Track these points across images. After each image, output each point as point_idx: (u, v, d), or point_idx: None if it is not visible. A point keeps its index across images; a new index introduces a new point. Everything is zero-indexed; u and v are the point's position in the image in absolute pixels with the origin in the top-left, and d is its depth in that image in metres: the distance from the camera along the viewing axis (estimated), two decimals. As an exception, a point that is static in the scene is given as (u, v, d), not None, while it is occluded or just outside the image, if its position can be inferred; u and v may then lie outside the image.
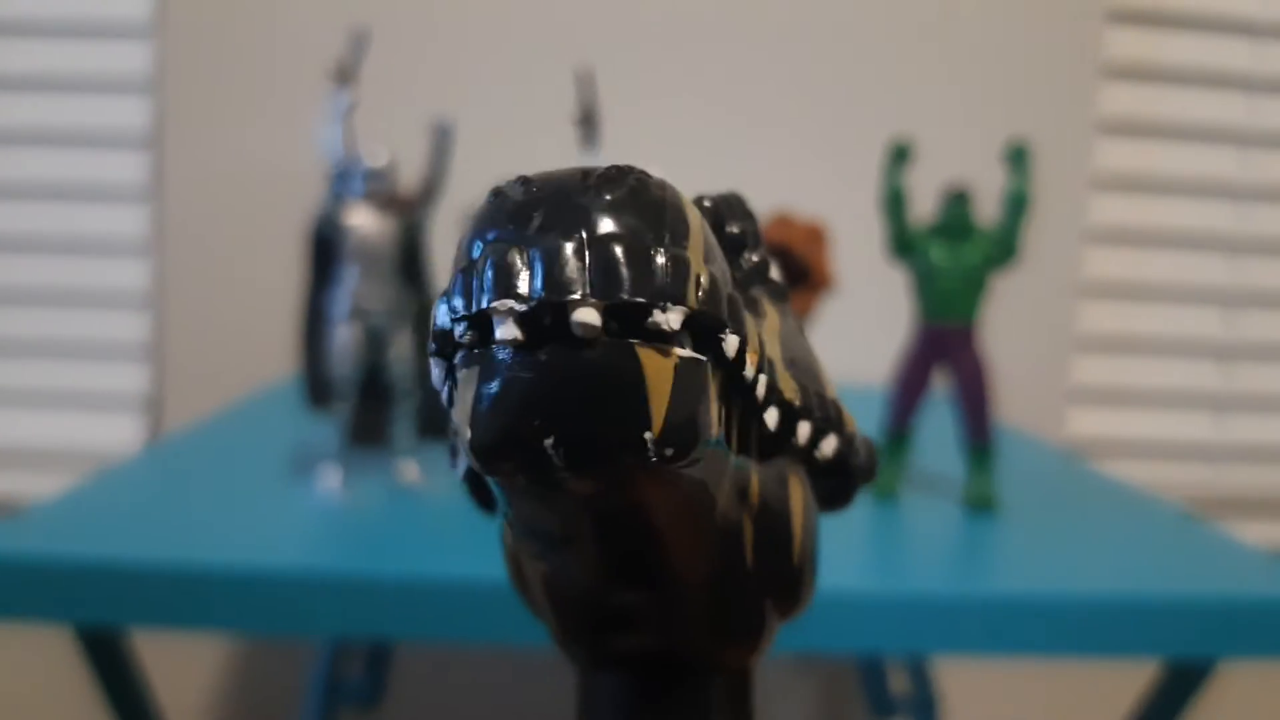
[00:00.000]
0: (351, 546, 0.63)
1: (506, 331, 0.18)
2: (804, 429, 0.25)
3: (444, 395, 0.21)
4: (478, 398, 0.18)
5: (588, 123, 0.75)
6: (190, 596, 0.57)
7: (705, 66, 1.26)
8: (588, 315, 0.17)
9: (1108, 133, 1.30)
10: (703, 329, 0.19)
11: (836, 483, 0.29)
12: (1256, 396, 1.36)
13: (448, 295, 0.19)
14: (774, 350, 0.24)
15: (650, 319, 0.18)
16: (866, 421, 0.86)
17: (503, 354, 0.18)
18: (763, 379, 0.22)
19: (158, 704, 0.72)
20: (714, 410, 0.19)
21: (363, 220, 0.73)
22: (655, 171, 0.21)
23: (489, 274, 0.18)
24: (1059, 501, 0.81)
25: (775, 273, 0.28)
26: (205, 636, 1.28)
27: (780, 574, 0.25)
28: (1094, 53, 1.28)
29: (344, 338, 0.72)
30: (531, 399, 0.17)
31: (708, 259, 0.19)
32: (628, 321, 0.18)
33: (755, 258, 0.27)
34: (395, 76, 1.16)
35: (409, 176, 0.79)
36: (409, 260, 0.76)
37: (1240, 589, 0.62)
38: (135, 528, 0.63)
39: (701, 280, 0.19)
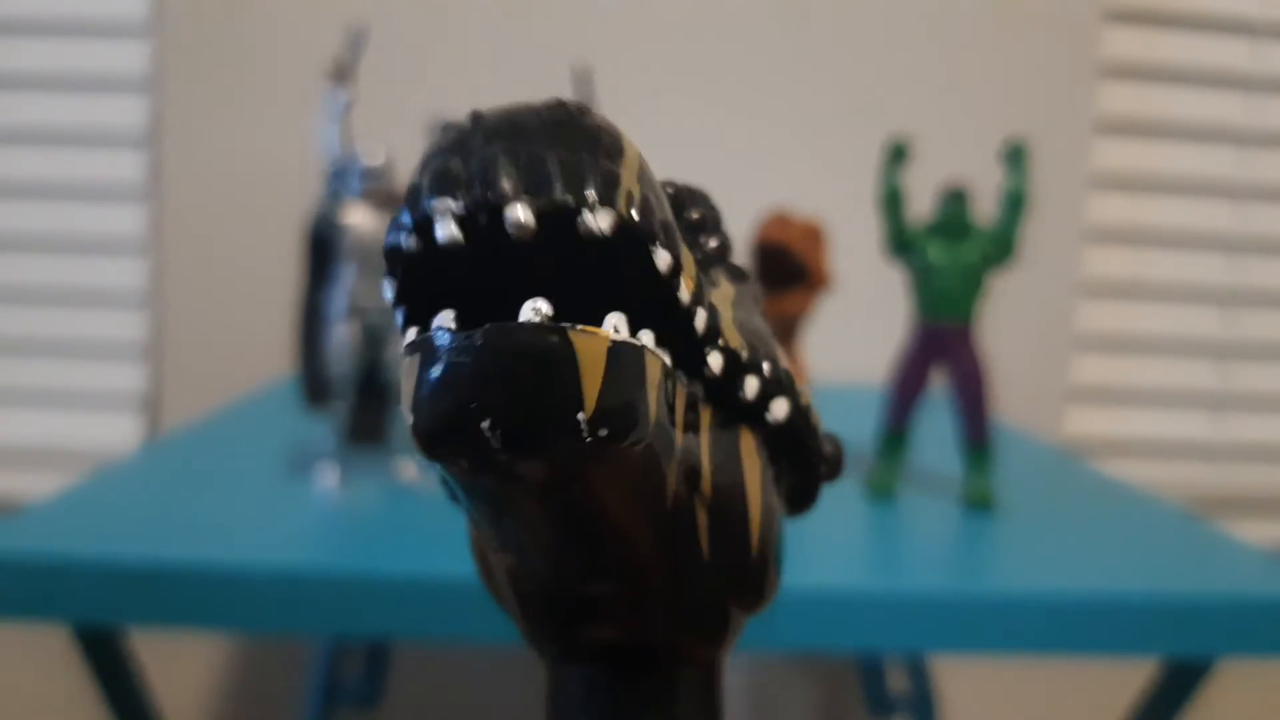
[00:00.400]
0: (350, 545, 0.63)
1: (446, 231, 0.19)
2: (751, 383, 0.25)
3: (399, 321, 0.21)
4: (418, 384, 0.18)
5: (585, 121, 0.74)
6: (188, 596, 0.57)
7: (703, 65, 1.26)
8: (521, 213, 0.18)
9: (1106, 132, 1.30)
10: (633, 240, 0.20)
11: (799, 478, 0.29)
12: (1255, 395, 1.36)
13: (397, 214, 0.20)
14: (722, 305, 0.25)
15: (581, 222, 0.19)
16: (865, 420, 0.86)
17: (441, 339, 0.18)
18: (701, 313, 0.22)
19: (155, 704, 0.71)
20: (653, 395, 0.19)
21: (360, 219, 0.72)
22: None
23: (429, 181, 0.19)
24: (1057, 500, 0.81)
25: (737, 261, 0.28)
26: (203, 636, 1.28)
27: (739, 566, 0.25)
28: (1092, 52, 1.28)
29: (341, 336, 0.72)
30: (468, 383, 0.18)
31: (642, 181, 0.20)
32: (560, 228, 0.19)
33: (714, 242, 0.27)
34: (392, 75, 1.16)
35: (406, 175, 0.79)
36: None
37: (1238, 588, 0.62)
38: (133, 527, 0.63)
39: (634, 194, 0.19)
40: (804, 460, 0.28)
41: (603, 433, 0.18)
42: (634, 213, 0.19)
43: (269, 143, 1.23)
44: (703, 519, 0.23)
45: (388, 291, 0.21)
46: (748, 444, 0.25)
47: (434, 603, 0.57)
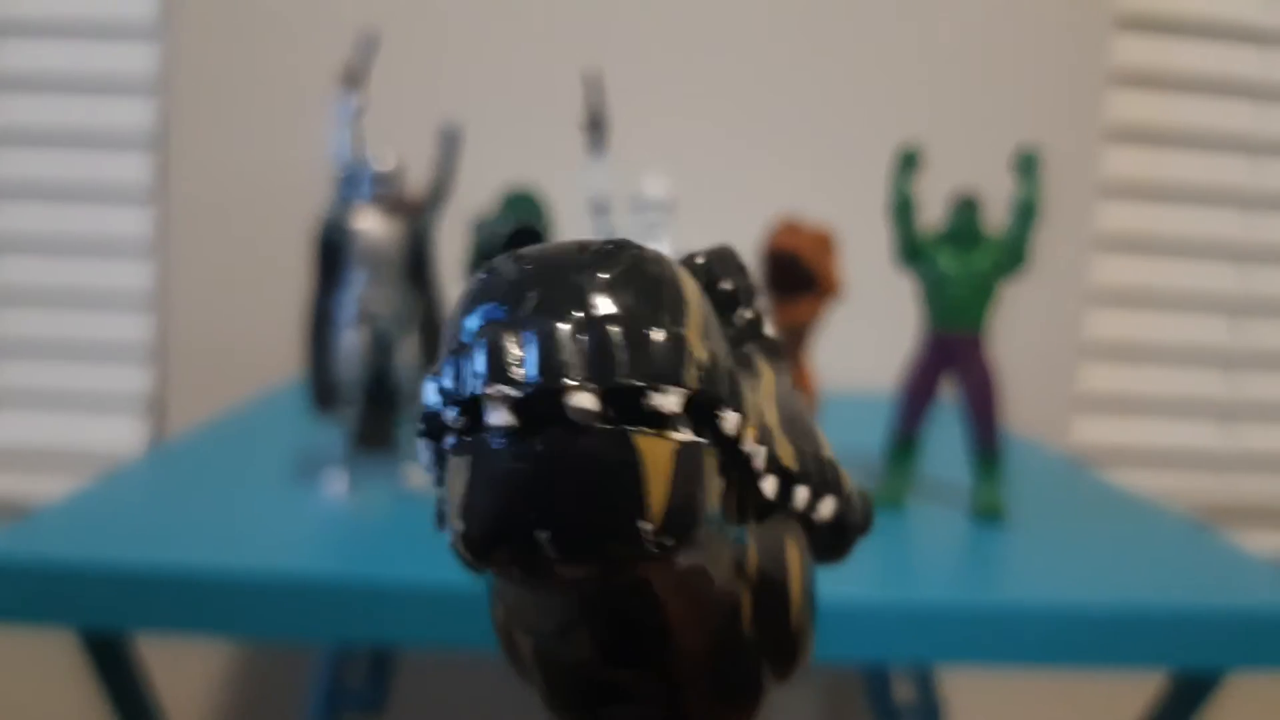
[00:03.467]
0: (357, 551, 0.63)
1: (499, 418, 0.17)
2: (801, 494, 0.24)
3: (432, 477, 0.20)
4: (469, 488, 0.17)
5: (595, 127, 0.74)
6: (194, 601, 0.57)
7: (713, 72, 1.25)
8: (584, 400, 0.17)
9: (1116, 140, 1.30)
10: (701, 408, 0.18)
11: (833, 539, 0.28)
12: (1264, 405, 1.35)
13: (438, 376, 0.19)
14: (771, 416, 0.24)
15: (648, 402, 0.17)
16: (874, 429, 0.86)
17: (496, 442, 0.17)
18: (762, 452, 0.21)
19: (161, 709, 0.71)
20: (713, 492, 0.19)
21: (370, 224, 0.72)
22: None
23: (481, 357, 0.17)
24: (1066, 510, 0.80)
25: (769, 328, 0.27)
26: (209, 641, 1.28)
27: (778, 639, 0.24)
28: (1103, 60, 1.27)
29: (350, 341, 0.72)
30: (525, 490, 0.17)
31: (706, 335, 0.19)
32: (625, 405, 0.17)
33: (749, 314, 0.26)
34: (403, 80, 1.16)
35: (416, 180, 0.79)
36: (416, 264, 0.76)
37: (1248, 600, 0.62)
38: (139, 532, 0.63)
39: (700, 359, 0.18)
40: (840, 532, 0.28)
41: (666, 540, 0.17)
42: (702, 384, 0.18)
43: (278, 146, 1.23)
44: (746, 601, 0.22)
45: (423, 454, 0.20)
46: (787, 518, 0.25)
47: (441, 610, 0.57)
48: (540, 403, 0.17)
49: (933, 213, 0.76)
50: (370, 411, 0.75)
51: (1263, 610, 0.60)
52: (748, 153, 1.26)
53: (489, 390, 0.17)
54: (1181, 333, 1.34)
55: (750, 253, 0.77)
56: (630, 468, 0.17)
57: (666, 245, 0.75)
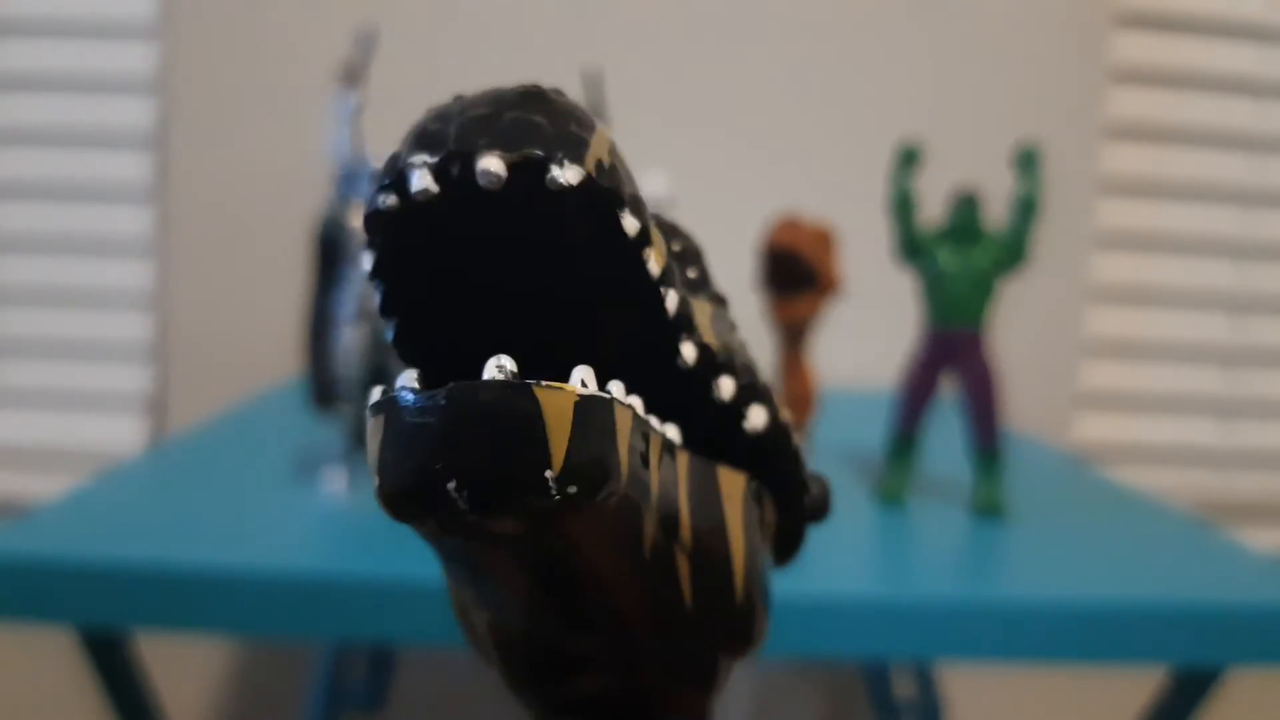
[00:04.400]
0: (356, 549, 0.63)
1: (420, 181, 0.19)
2: (726, 383, 0.24)
3: (377, 293, 0.22)
4: (382, 445, 0.18)
5: (595, 125, 0.74)
6: (194, 599, 0.57)
7: (714, 69, 1.25)
8: (492, 163, 0.19)
9: (1116, 137, 1.30)
10: (600, 199, 0.20)
11: (784, 520, 0.28)
12: (1264, 402, 1.35)
13: (376, 180, 0.20)
14: (699, 316, 0.24)
15: (549, 174, 0.19)
16: (874, 425, 0.86)
17: (404, 400, 0.18)
18: (672, 294, 0.22)
19: (160, 707, 0.71)
20: (623, 447, 0.19)
21: (369, 222, 0.72)
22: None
23: (409, 141, 0.20)
24: (1066, 507, 0.80)
25: (715, 290, 0.28)
26: (208, 639, 1.28)
27: (724, 612, 0.24)
28: (1102, 57, 1.27)
29: (350, 339, 0.72)
30: (432, 443, 0.17)
31: (613, 156, 0.20)
32: (530, 181, 0.19)
33: (694, 274, 0.27)
34: (402, 77, 1.16)
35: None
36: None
37: (1248, 596, 0.62)
38: (139, 530, 0.63)
39: (603, 161, 0.20)
40: (788, 494, 0.28)
41: (572, 489, 0.18)
42: (601, 172, 0.19)
43: (277, 145, 1.23)
44: (684, 566, 0.23)
45: (365, 262, 0.21)
46: (729, 488, 0.25)
47: (439, 607, 0.57)
48: (456, 170, 0.19)
49: (933, 209, 0.76)
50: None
51: (1263, 606, 0.60)
52: (748, 150, 1.26)
53: (411, 159, 0.19)
54: (1181, 329, 1.34)
55: (751, 249, 0.77)
56: (531, 417, 0.17)
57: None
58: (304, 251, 0.79)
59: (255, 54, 1.23)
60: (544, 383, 0.18)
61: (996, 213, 0.75)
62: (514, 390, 0.17)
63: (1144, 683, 0.76)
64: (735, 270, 0.90)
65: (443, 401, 0.17)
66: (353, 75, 0.72)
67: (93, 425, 1.29)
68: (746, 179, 1.23)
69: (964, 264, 0.73)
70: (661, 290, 0.22)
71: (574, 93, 0.70)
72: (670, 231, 0.27)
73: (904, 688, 1.27)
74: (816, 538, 0.65)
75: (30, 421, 1.29)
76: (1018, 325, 1.03)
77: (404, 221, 0.20)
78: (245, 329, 1.25)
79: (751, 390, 0.25)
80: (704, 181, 1.10)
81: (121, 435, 1.28)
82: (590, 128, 0.20)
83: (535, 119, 0.19)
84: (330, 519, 0.68)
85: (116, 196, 1.26)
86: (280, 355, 1.14)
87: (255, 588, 0.57)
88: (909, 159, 0.74)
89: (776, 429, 0.27)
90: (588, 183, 0.19)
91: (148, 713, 0.69)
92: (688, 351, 0.23)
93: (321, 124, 0.74)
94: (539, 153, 0.19)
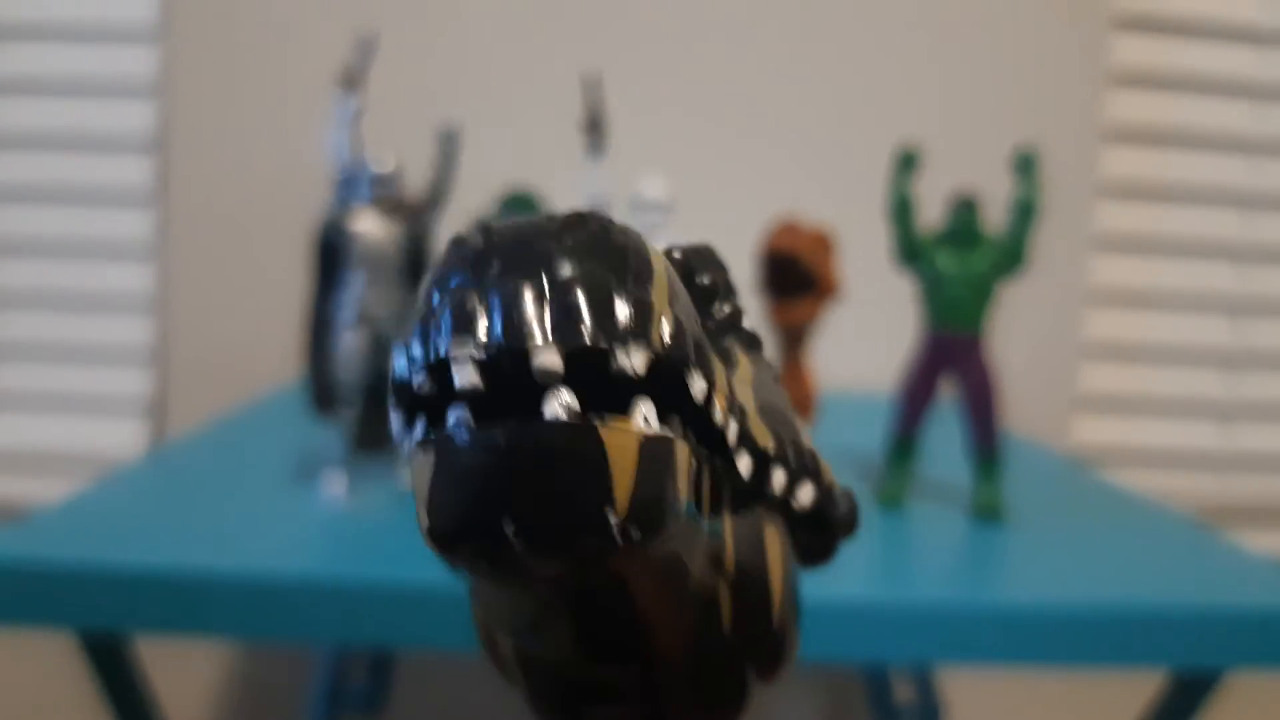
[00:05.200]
0: (356, 553, 0.63)
1: (465, 378, 0.17)
2: (779, 477, 0.24)
3: (404, 449, 0.20)
4: (433, 484, 0.17)
5: (594, 128, 0.75)
6: (193, 602, 0.57)
7: (712, 73, 1.25)
8: (548, 359, 0.17)
9: (1115, 140, 1.30)
10: (668, 373, 0.18)
11: (816, 537, 0.28)
12: (1263, 405, 1.35)
13: (406, 345, 0.18)
14: (746, 397, 0.24)
15: (614, 363, 0.17)
16: (873, 429, 0.86)
17: (459, 437, 0.17)
18: (733, 424, 0.21)
19: (161, 710, 0.71)
20: (683, 484, 0.18)
21: (369, 225, 0.72)
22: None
23: (447, 320, 0.17)
24: (1066, 510, 0.80)
25: (748, 322, 0.27)
26: (208, 643, 1.28)
27: (760, 638, 0.24)
28: (1101, 60, 1.27)
29: (350, 343, 0.72)
30: (488, 483, 0.17)
31: (673, 303, 0.19)
32: (591, 368, 0.17)
33: (728, 308, 0.26)
34: (401, 82, 1.16)
35: (415, 182, 0.79)
36: (415, 265, 0.76)
37: (1247, 599, 0.62)
38: (139, 533, 0.63)
39: (665, 322, 0.18)
40: (823, 529, 0.28)
41: (634, 533, 0.17)
42: (668, 346, 0.18)
43: (277, 149, 1.23)
44: (725, 596, 0.22)
45: (394, 422, 0.19)
46: (767, 513, 0.25)
47: (440, 610, 0.57)
48: (506, 364, 0.17)
49: (931, 213, 0.76)
50: (369, 413, 0.75)
51: (1262, 610, 0.60)
52: (746, 154, 1.26)
53: (454, 351, 0.17)
54: (1181, 333, 1.34)
55: (750, 253, 0.78)
56: (595, 459, 0.17)
57: (665, 246, 0.75)
58: (304, 255, 0.79)
59: (256, 58, 1.23)
60: (608, 422, 0.17)
61: (995, 216, 0.75)
62: (579, 432, 0.17)
63: (1143, 686, 0.76)
64: (735, 274, 0.90)
65: (500, 441, 0.17)
66: (352, 79, 0.72)
67: (93, 429, 1.29)
68: (745, 183, 1.23)
69: (963, 267, 0.73)
70: (726, 427, 0.21)
71: (572, 97, 0.70)
72: (699, 261, 0.26)
73: (904, 691, 1.27)
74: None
75: (31, 425, 1.29)
76: (1017, 328, 1.03)
77: (440, 399, 0.18)
78: (245, 333, 1.25)
79: (800, 473, 0.25)
80: (703, 185, 1.10)
81: (122, 439, 1.28)
82: (648, 273, 0.18)
83: (590, 282, 0.17)
84: (330, 522, 0.68)
85: (117, 200, 1.26)
86: (280, 359, 1.14)
87: (255, 591, 0.57)
88: (908, 163, 0.74)
89: (820, 496, 0.26)
90: (654, 363, 0.18)
91: (148, 716, 0.69)
92: (744, 465, 0.22)
93: (321, 128, 0.74)
94: (602, 342, 0.17)
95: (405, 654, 1.30)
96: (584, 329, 0.17)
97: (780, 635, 0.25)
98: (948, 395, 0.78)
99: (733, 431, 0.21)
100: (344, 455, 0.73)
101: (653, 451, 0.17)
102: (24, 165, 1.26)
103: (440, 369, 0.18)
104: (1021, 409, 1.09)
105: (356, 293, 0.72)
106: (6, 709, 1.32)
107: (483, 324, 0.17)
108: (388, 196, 0.73)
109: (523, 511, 0.17)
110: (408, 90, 1.16)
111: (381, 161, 0.73)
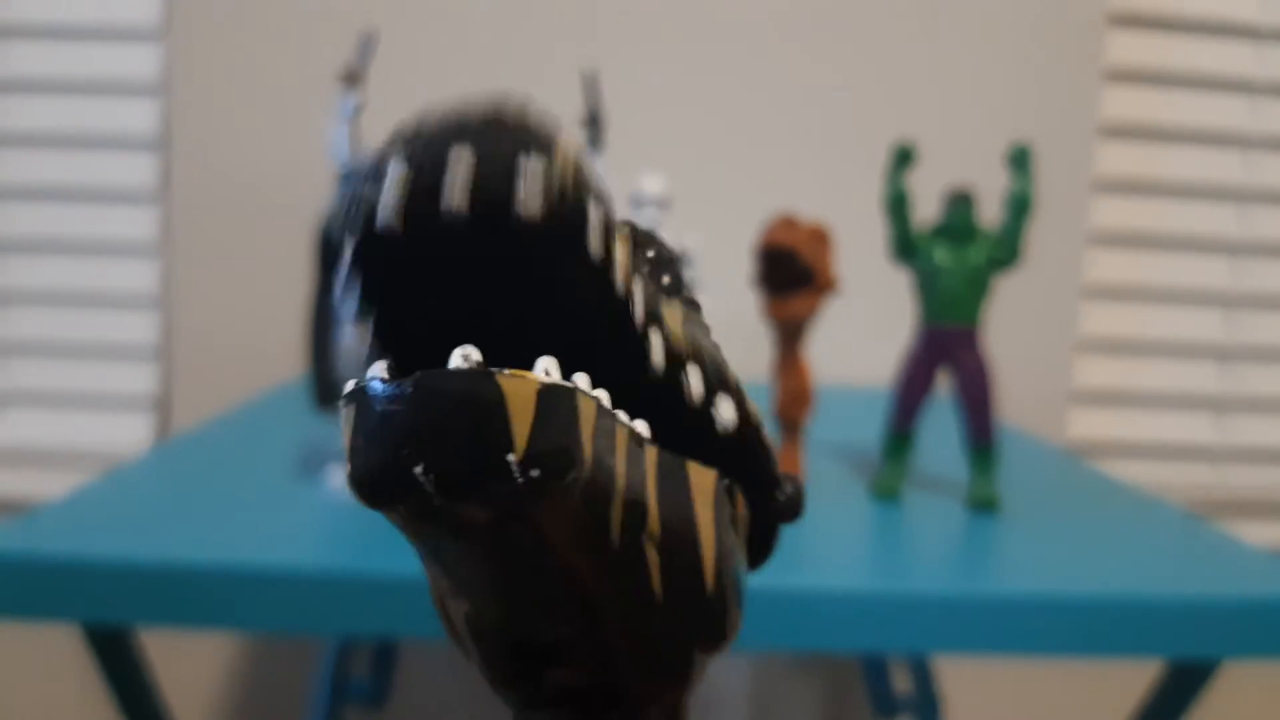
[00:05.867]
0: (359, 546, 0.63)
1: (391, 192, 0.19)
2: (695, 378, 0.25)
3: (346, 309, 0.22)
4: (353, 433, 0.19)
5: (593, 124, 0.75)
6: (198, 596, 0.58)
7: (710, 69, 1.26)
8: (457, 195, 0.19)
9: (1110, 136, 1.30)
10: (564, 225, 0.20)
11: (756, 519, 0.29)
12: (1258, 398, 1.36)
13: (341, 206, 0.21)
14: (670, 319, 0.25)
15: (513, 208, 0.19)
16: (870, 422, 0.86)
17: (374, 389, 0.19)
18: (639, 295, 0.22)
19: (165, 702, 0.72)
20: (587, 435, 0.20)
21: (370, 222, 0.73)
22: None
23: (369, 172, 0.20)
24: (1061, 502, 0.81)
25: (690, 294, 0.28)
26: (212, 635, 1.28)
27: (695, 605, 0.25)
28: (1096, 56, 1.28)
29: (352, 339, 0.72)
30: (400, 430, 0.18)
31: (578, 169, 0.20)
32: (491, 213, 0.19)
33: (667, 278, 0.28)
34: (402, 78, 1.16)
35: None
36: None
37: (1242, 589, 0.62)
38: (143, 527, 0.63)
39: (566, 177, 0.20)
40: (759, 490, 0.28)
41: (535, 473, 0.18)
42: (566, 194, 0.20)
43: (280, 146, 1.24)
44: (653, 557, 0.23)
45: (339, 285, 0.22)
46: (699, 481, 0.25)
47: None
48: (420, 204, 0.19)
49: (927, 208, 0.76)
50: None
51: (1257, 600, 0.61)
52: (744, 149, 1.26)
53: (390, 148, 0.19)
54: (1176, 327, 1.34)
55: (747, 248, 0.78)
56: (494, 403, 0.18)
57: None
58: (307, 252, 0.80)
59: (258, 56, 1.24)
60: (508, 371, 0.18)
61: (990, 211, 0.76)
62: (478, 378, 0.18)
63: (1139, 676, 0.76)
64: (732, 269, 0.91)
65: (409, 390, 0.18)
66: (353, 76, 0.72)
67: (98, 425, 1.29)
68: (743, 179, 1.24)
69: (958, 262, 0.74)
70: (629, 297, 0.22)
71: (571, 93, 0.71)
72: (646, 240, 0.27)
73: (902, 682, 1.28)
74: (813, 532, 0.65)
75: (37, 421, 1.30)
76: (1013, 322, 1.03)
77: (368, 248, 0.20)
78: (249, 329, 1.26)
79: (721, 385, 0.26)
80: (700, 181, 1.11)
81: (127, 435, 1.29)
82: (552, 143, 0.20)
83: (497, 144, 0.19)
84: (333, 516, 0.68)
85: (122, 198, 1.27)
86: (284, 355, 1.15)
87: (259, 584, 0.58)
88: (904, 158, 0.75)
89: (746, 425, 0.27)
90: (549, 210, 0.19)
91: (153, 708, 0.70)
92: (655, 348, 0.23)
93: (324, 125, 0.75)
94: (503, 186, 0.19)
95: (408, 647, 1.30)
96: (489, 175, 0.19)
97: (719, 604, 0.25)
98: (944, 389, 0.79)
99: (639, 300, 0.22)
100: (346, 449, 0.73)
101: (552, 398, 0.19)
102: (29, 164, 1.27)
103: (369, 215, 0.20)
104: (1017, 402, 1.09)
105: (358, 289, 0.73)
106: (13, 701, 1.32)
107: (404, 163, 0.19)
108: (389, 193, 0.74)
109: (431, 455, 0.18)
110: (408, 86, 1.16)
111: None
